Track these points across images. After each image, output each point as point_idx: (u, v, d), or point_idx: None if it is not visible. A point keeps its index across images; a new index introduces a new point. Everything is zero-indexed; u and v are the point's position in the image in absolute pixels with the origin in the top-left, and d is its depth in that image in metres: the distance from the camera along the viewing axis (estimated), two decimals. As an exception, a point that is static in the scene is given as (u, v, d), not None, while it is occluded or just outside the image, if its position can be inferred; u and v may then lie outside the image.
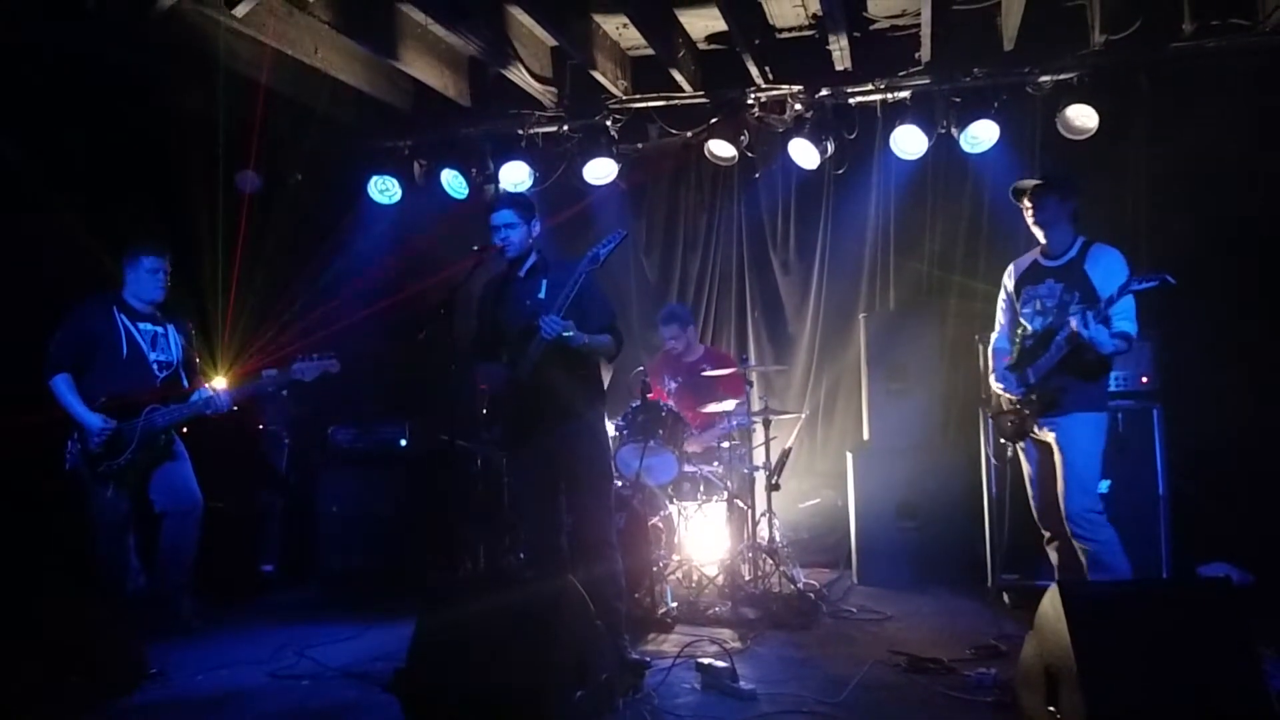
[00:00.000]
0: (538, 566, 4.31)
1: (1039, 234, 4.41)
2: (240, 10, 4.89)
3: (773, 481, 5.57)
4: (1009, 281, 4.61)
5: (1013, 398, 4.41)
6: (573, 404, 4.12)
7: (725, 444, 5.73)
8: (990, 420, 4.84)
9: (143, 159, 5.82)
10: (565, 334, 3.90)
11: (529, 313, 4.06)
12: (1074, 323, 4.04)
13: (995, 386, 4.53)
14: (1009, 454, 4.60)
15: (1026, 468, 4.50)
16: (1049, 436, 4.30)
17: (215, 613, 5.22)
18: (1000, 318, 4.66)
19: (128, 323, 4.79)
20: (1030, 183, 4.45)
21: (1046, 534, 4.46)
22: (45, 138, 5.21)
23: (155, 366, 4.83)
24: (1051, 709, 3.00)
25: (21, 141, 5.01)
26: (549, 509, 4.23)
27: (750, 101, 6.29)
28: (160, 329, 4.92)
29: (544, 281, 4.16)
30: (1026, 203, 4.41)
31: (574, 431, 4.14)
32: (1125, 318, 4.11)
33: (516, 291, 4.23)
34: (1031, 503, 4.49)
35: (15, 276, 5.07)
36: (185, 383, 4.94)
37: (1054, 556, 4.46)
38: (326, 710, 3.78)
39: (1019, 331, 4.48)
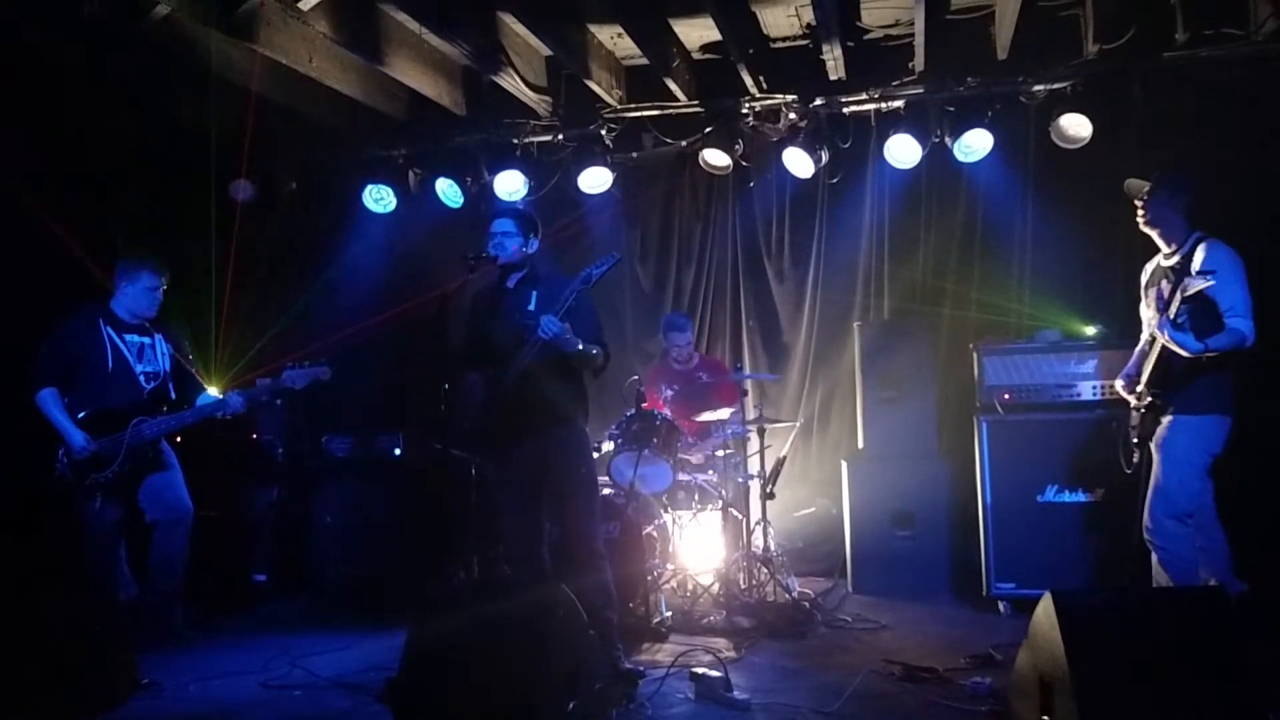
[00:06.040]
0: (518, 575, 4.31)
1: (1152, 234, 4.34)
2: (235, 19, 4.89)
3: (767, 490, 5.57)
4: (1142, 280, 4.51)
5: (1133, 400, 4.34)
6: (557, 410, 4.13)
7: (720, 452, 5.72)
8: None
9: (136, 167, 5.82)
10: (563, 336, 3.91)
11: (518, 323, 4.08)
12: (1164, 329, 3.97)
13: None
14: (1135, 458, 4.37)
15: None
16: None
17: (207, 622, 5.20)
18: (1143, 318, 4.54)
19: (114, 335, 4.77)
20: (1141, 184, 4.34)
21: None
22: (38, 145, 5.21)
23: (142, 378, 4.81)
24: (1046, 718, 2.99)
25: (13, 149, 5.00)
26: (531, 517, 4.23)
27: (745, 111, 6.30)
28: (148, 339, 4.89)
29: (534, 293, 4.18)
30: (1137, 203, 4.34)
31: (558, 437, 4.14)
32: (1236, 314, 3.98)
33: (506, 302, 4.24)
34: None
35: (6, 284, 5.06)
36: (173, 393, 4.92)
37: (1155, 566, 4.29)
38: (318, 720, 3.76)
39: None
